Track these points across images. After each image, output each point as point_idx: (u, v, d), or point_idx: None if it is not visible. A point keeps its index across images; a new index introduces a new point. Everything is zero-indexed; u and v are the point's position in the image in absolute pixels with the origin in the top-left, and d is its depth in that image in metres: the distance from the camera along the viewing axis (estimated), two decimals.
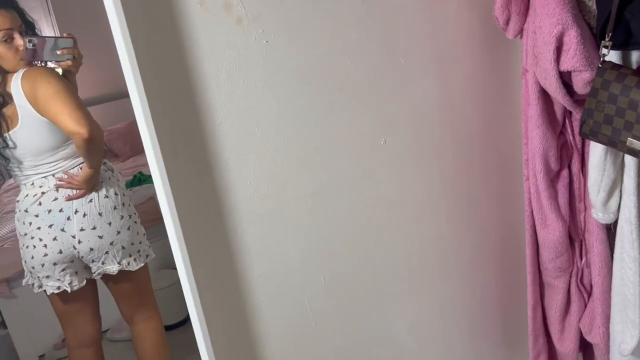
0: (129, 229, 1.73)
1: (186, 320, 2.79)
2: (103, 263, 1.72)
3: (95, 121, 1.58)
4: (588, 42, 0.93)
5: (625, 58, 0.93)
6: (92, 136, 1.53)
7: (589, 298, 1.19)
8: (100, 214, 1.67)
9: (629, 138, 0.86)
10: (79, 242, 1.66)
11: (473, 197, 1.27)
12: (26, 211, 1.66)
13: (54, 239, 1.65)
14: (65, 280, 1.71)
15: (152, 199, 2.81)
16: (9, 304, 2.55)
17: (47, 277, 1.70)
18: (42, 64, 1.67)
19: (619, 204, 1.03)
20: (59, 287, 1.71)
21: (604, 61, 0.90)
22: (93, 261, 1.71)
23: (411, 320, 1.27)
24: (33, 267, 1.70)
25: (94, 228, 1.66)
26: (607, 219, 1.05)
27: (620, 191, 1.02)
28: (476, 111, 1.22)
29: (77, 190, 1.66)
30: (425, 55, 1.14)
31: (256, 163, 1.05)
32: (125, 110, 4.06)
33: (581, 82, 0.96)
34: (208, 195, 1.03)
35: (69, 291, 1.72)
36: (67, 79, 1.67)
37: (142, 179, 3.04)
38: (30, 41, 1.57)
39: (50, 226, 1.65)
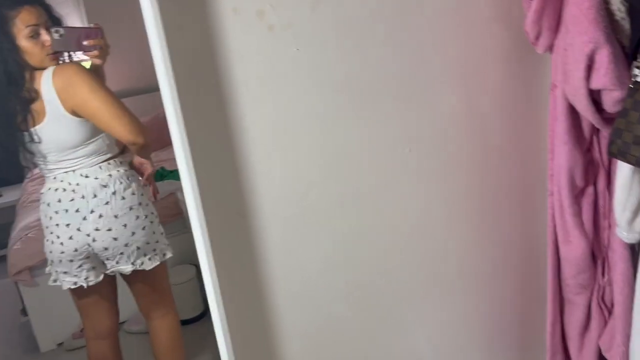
0: (144, 228, 1.73)
1: (202, 316, 2.83)
2: (117, 262, 1.74)
3: (142, 123, 1.66)
4: (620, 61, 0.93)
5: None
6: (147, 141, 1.64)
7: (609, 316, 1.18)
8: (116, 216, 1.68)
9: None
10: (94, 240, 1.68)
11: (496, 211, 1.27)
12: (48, 205, 1.70)
13: (70, 237, 1.68)
14: (82, 275, 1.74)
15: (173, 195, 2.85)
16: (31, 292, 2.61)
17: (65, 272, 1.74)
18: (70, 57, 1.70)
19: None
20: (75, 283, 1.74)
21: (635, 82, 0.89)
22: (107, 259, 1.74)
23: (430, 330, 1.28)
24: (52, 261, 1.74)
25: (109, 230, 1.68)
26: (632, 238, 1.05)
27: None
28: (502, 124, 1.22)
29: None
30: (453, 67, 1.15)
31: (282, 168, 1.06)
32: (148, 105, 4.10)
33: (611, 101, 0.96)
34: (233, 196, 1.04)
35: (85, 286, 1.75)
36: (96, 69, 1.70)
37: (164, 174, 3.07)
38: (57, 31, 1.59)
39: (68, 225, 1.67)
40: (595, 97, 0.99)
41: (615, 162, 1.07)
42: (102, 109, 1.58)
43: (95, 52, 1.66)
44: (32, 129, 1.63)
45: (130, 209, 1.70)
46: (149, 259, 1.77)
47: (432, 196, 1.20)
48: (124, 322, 2.82)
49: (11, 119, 1.61)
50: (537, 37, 1.07)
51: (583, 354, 1.22)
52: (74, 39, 1.62)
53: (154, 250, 1.79)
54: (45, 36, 1.60)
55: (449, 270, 1.26)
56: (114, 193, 1.68)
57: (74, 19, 4.03)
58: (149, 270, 1.79)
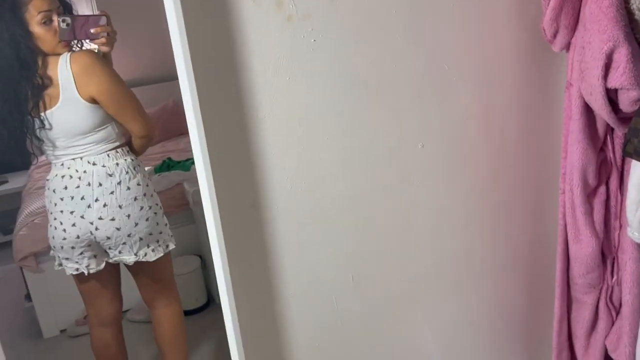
0: (147, 219, 1.73)
1: (205, 307, 2.83)
2: (120, 252, 1.74)
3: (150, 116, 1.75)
4: (638, 60, 0.93)
5: None
6: (154, 135, 1.74)
7: (617, 316, 1.19)
8: (120, 207, 1.68)
9: None
10: (97, 228, 1.68)
11: (507, 208, 1.27)
12: (54, 191, 1.70)
13: (73, 224, 1.68)
14: (83, 263, 1.74)
15: (180, 185, 2.85)
16: (36, 278, 2.61)
17: (67, 258, 1.75)
18: (81, 44, 1.71)
19: None
20: (77, 269, 1.75)
21: None
22: (110, 248, 1.74)
23: (436, 327, 1.28)
24: (54, 247, 1.75)
25: (113, 219, 1.68)
26: None
27: None
28: (516, 122, 1.22)
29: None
30: (469, 64, 1.15)
31: (296, 160, 1.07)
32: (156, 96, 4.10)
33: (628, 100, 0.96)
34: (247, 187, 1.05)
35: (86, 274, 1.75)
36: (104, 56, 1.71)
37: (171, 164, 3.08)
38: (63, 21, 1.60)
39: (72, 212, 1.68)
40: (611, 96, 0.99)
41: (628, 162, 1.07)
42: (122, 102, 1.66)
43: (103, 40, 1.66)
44: (42, 114, 1.63)
45: (135, 199, 1.70)
46: (152, 250, 1.77)
47: (443, 193, 1.20)
48: (127, 311, 2.82)
49: (21, 104, 1.62)
50: (554, 35, 1.07)
51: (589, 353, 1.23)
52: (81, 27, 1.63)
53: (157, 241, 1.79)
54: (57, 22, 1.60)
55: (458, 267, 1.26)
56: (119, 183, 1.68)
57: (82, 6, 4.03)
58: (152, 261, 1.79)
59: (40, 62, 1.61)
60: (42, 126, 1.64)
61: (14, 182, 3.95)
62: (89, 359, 2.12)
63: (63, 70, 1.59)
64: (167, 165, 3.05)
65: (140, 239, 1.73)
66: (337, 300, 1.16)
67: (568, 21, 1.04)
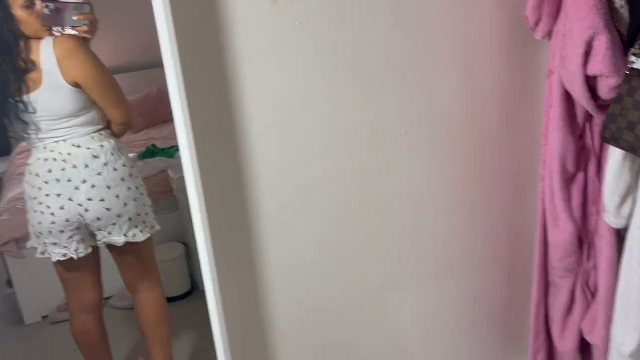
0: (135, 200, 1.75)
1: (189, 294, 2.83)
2: (110, 233, 1.74)
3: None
4: (617, 49, 0.95)
5: None
6: (133, 123, 1.76)
7: (592, 300, 1.22)
8: (108, 187, 1.69)
9: None
10: (86, 210, 1.68)
11: (487, 194, 1.29)
12: (37, 175, 1.69)
13: (62, 207, 1.68)
14: (72, 247, 1.74)
15: (164, 172, 2.84)
16: (18, 263, 2.59)
17: (54, 244, 1.73)
18: (62, 30, 1.69)
19: (632, 210, 1.05)
20: (65, 255, 1.74)
21: (632, 69, 0.91)
22: (99, 229, 1.74)
23: (417, 311, 1.30)
24: (40, 233, 1.73)
25: (102, 200, 1.68)
26: (619, 223, 1.07)
27: (634, 197, 1.04)
28: (498, 109, 1.24)
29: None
30: (453, 50, 1.16)
31: (280, 141, 1.07)
32: (140, 83, 4.06)
33: (606, 88, 0.98)
34: (231, 168, 1.05)
35: (76, 258, 1.75)
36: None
37: (155, 151, 3.06)
38: (47, 6, 1.59)
39: (59, 195, 1.67)
40: (591, 84, 1.01)
41: (606, 149, 1.09)
42: (105, 88, 1.67)
43: (85, 28, 1.66)
44: (26, 97, 1.62)
45: (122, 180, 1.71)
46: (140, 231, 1.78)
47: (426, 179, 1.22)
48: (109, 298, 2.82)
49: (4, 87, 1.60)
50: (537, 23, 1.09)
51: (565, 336, 1.26)
52: (64, 13, 1.62)
53: (144, 222, 1.80)
54: (39, 6, 1.59)
55: (438, 252, 1.28)
56: (105, 164, 1.69)
57: None
58: (140, 243, 1.79)
59: (22, 45, 1.60)
60: (26, 110, 1.63)
61: None
62: (71, 345, 2.12)
63: (46, 55, 1.59)
64: (151, 152, 3.03)
65: (130, 219, 1.74)
66: (320, 282, 1.17)
67: (550, 9, 1.06)
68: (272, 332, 1.17)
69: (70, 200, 1.67)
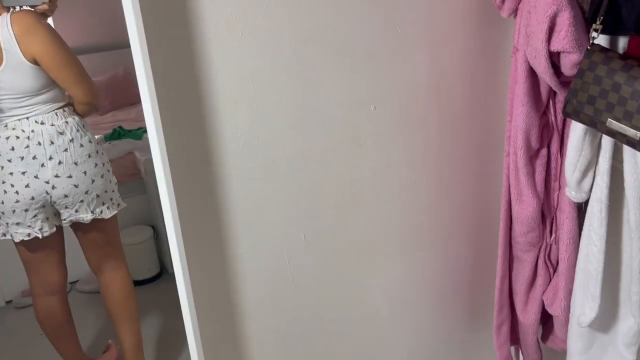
0: (102, 176, 1.73)
1: (157, 277, 2.81)
2: (77, 211, 1.72)
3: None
4: (579, 25, 0.97)
5: (613, 43, 0.97)
6: (97, 103, 1.71)
7: (554, 273, 1.25)
8: (75, 163, 1.67)
9: (609, 119, 0.91)
10: (53, 187, 1.66)
11: (453, 171, 1.31)
12: None
13: (27, 185, 1.65)
14: (36, 226, 1.71)
15: (131, 154, 2.80)
16: None
17: (18, 223, 1.70)
18: (21, 8, 1.65)
19: (592, 184, 1.08)
20: (29, 234, 1.71)
21: (592, 44, 0.93)
22: (66, 207, 1.71)
23: (385, 284, 1.32)
24: (3, 213, 1.69)
25: (70, 176, 1.66)
26: (580, 197, 1.10)
27: (594, 172, 1.07)
28: (464, 86, 1.25)
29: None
30: (421, 27, 1.17)
31: (249, 117, 1.06)
32: (106, 64, 3.98)
33: (569, 64, 1.00)
34: (199, 144, 1.04)
35: (40, 237, 1.72)
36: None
37: (122, 133, 3.01)
38: None
39: (24, 173, 1.64)
40: (554, 61, 1.03)
41: (568, 125, 1.12)
42: (64, 66, 1.62)
43: (45, 6, 1.62)
44: None
45: (89, 156, 1.69)
46: (107, 207, 1.77)
47: (394, 154, 1.23)
48: (76, 282, 2.77)
49: None
50: (503, 1, 1.10)
51: (527, 309, 1.29)
52: None
53: (111, 199, 1.79)
54: None
55: (405, 227, 1.30)
56: (71, 140, 1.66)
57: None
58: (105, 220, 1.78)
59: None
60: None
61: None
62: (36, 330, 2.08)
63: (4, 32, 1.56)
64: (117, 134, 2.98)
65: (97, 196, 1.73)
66: (289, 257, 1.18)
67: None
68: (241, 310, 1.17)
69: (36, 177, 1.64)
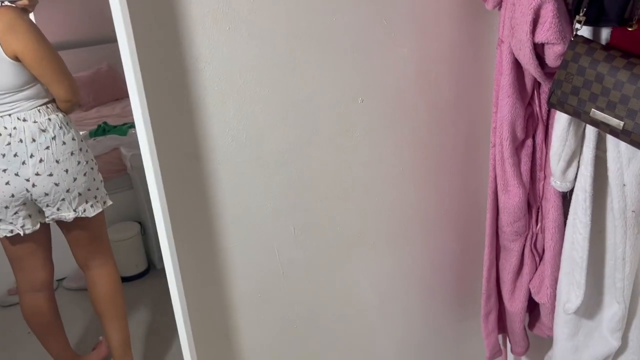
0: (85, 174, 1.72)
1: (145, 273, 2.80)
2: (58, 209, 1.71)
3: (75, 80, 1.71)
4: (563, 16, 0.98)
5: (596, 34, 0.98)
6: (78, 100, 1.69)
7: (540, 261, 1.27)
8: (57, 161, 1.65)
9: (592, 109, 0.92)
10: (34, 185, 1.64)
11: (440, 162, 1.32)
12: None
13: (7, 183, 1.63)
14: (18, 223, 1.69)
15: (116, 150, 2.78)
16: None
17: (0, 220, 1.69)
18: (2, 2, 1.63)
19: (576, 174, 1.10)
20: (11, 231, 1.70)
21: (576, 35, 0.95)
22: (47, 205, 1.70)
23: (374, 276, 1.33)
24: None
25: (51, 175, 1.65)
26: (564, 187, 1.12)
27: (579, 161, 1.09)
28: (451, 78, 1.26)
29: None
30: (407, 20, 1.17)
31: (237, 111, 1.06)
32: (89, 59, 3.94)
33: (553, 55, 1.01)
34: (188, 139, 1.04)
35: (22, 234, 1.70)
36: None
37: (107, 129, 2.99)
38: None
39: (4, 170, 1.62)
40: (538, 52, 1.04)
41: (553, 116, 1.14)
42: (46, 63, 1.60)
43: (25, 1, 1.60)
44: None
45: (72, 154, 1.67)
46: (91, 205, 1.75)
47: (381, 146, 1.24)
48: (63, 279, 2.76)
49: None
50: None
51: (515, 297, 1.31)
52: None
53: (95, 197, 1.77)
54: None
55: (394, 219, 1.31)
56: (53, 138, 1.64)
57: None
58: (90, 218, 1.76)
59: None
60: None
61: None
62: (24, 328, 2.07)
63: None
64: (102, 130, 2.96)
65: (79, 194, 1.71)
66: (279, 250, 1.18)
67: None
68: (232, 304, 1.18)
69: (17, 175, 1.63)
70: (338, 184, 1.21)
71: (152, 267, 2.83)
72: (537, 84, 1.15)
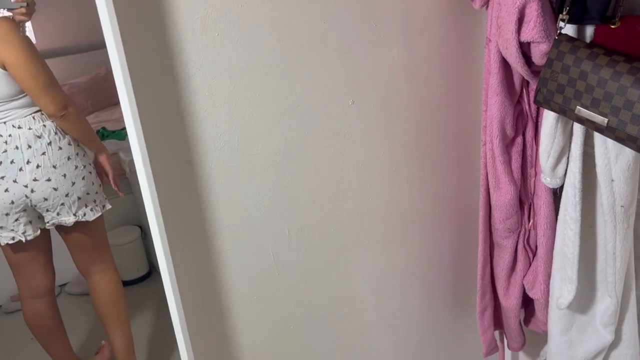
0: (83, 178, 1.73)
1: (146, 276, 2.82)
2: (58, 214, 1.72)
3: (69, 97, 1.68)
4: (548, 15, 0.99)
5: (580, 32, 0.99)
6: (64, 115, 1.65)
7: (533, 257, 1.28)
8: (54, 167, 1.66)
9: (577, 107, 0.93)
10: (32, 191, 1.66)
11: (433, 161, 1.33)
12: None
13: (6, 190, 1.65)
14: (19, 230, 1.71)
15: (115, 155, 2.79)
16: None
17: (1, 227, 1.70)
18: None
19: (566, 170, 1.11)
20: (13, 238, 1.71)
21: (560, 34, 0.96)
22: (47, 210, 1.71)
23: (370, 275, 1.34)
24: None
25: (49, 180, 1.66)
26: (554, 183, 1.13)
27: (568, 158, 1.10)
28: (440, 78, 1.27)
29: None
30: (396, 22, 1.18)
31: (228, 116, 1.08)
32: (87, 64, 3.95)
33: (539, 53, 1.02)
34: (180, 144, 1.05)
35: (24, 241, 1.72)
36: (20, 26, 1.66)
37: (106, 134, 3.00)
38: None
39: (2, 177, 1.64)
40: (525, 51, 1.05)
41: (542, 113, 1.15)
42: (32, 76, 1.59)
43: (22, 10, 1.61)
44: None
45: (69, 159, 1.69)
46: (91, 209, 1.77)
47: (373, 147, 1.25)
48: (65, 285, 2.77)
49: None
50: None
51: (509, 293, 1.32)
52: None
53: (95, 201, 1.79)
54: None
55: (388, 218, 1.32)
56: (49, 143, 1.66)
57: None
58: (90, 222, 1.78)
59: None
60: None
61: None
62: (27, 334, 2.09)
63: None
64: (101, 135, 2.97)
65: (79, 198, 1.72)
66: (274, 252, 1.20)
67: None
68: (229, 307, 1.19)
69: (15, 182, 1.64)
70: (331, 186, 1.23)
71: (154, 270, 2.85)
72: (525, 82, 1.16)
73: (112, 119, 3.47)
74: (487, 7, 1.14)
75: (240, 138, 1.10)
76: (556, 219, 1.19)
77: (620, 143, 0.91)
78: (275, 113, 1.12)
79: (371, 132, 1.23)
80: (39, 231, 1.76)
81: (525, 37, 1.00)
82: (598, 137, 1.01)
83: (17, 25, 1.59)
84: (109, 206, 1.85)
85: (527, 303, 1.36)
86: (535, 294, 1.26)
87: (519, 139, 1.21)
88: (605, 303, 1.15)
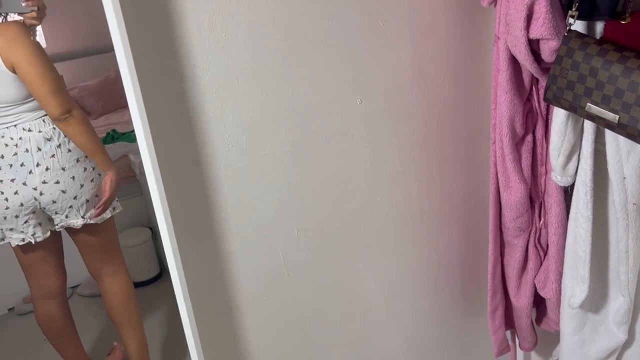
0: (92, 180, 1.74)
1: (157, 277, 2.83)
2: (67, 216, 1.73)
3: (76, 102, 1.67)
4: (557, 12, 0.98)
5: (590, 28, 0.98)
6: (69, 119, 1.62)
7: (544, 256, 1.27)
8: (63, 169, 1.68)
9: (588, 104, 0.92)
10: (41, 193, 1.67)
11: (442, 160, 1.33)
12: None
13: (15, 192, 1.66)
14: (29, 231, 1.72)
15: (125, 157, 2.81)
16: None
17: (11, 229, 1.72)
18: (6, 16, 1.66)
19: (577, 168, 1.10)
20: (23, 239, 1.73)
21: (569, 30, 0.95)
22: (56, 213, 1.73)
23: (379, 275, 1.34)
24: None
25: (57, 182, 1.67)
26: (565, 181, 1.12)
27: (578, 155, 1.09)
28: (448, 76, 1.27)
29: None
30: (403, 20, 1.18)
31: (235, 116, 1.08)
32: (97, 67, 3.98)
33: (548, 50, 1.01)
34: (188, 146, 1.06)
35: (33, 243, 1.73)
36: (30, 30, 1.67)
37: (116, 136, 3.02)
38: None
39: (13, 180, 1.65)
40: (534, 48, 1.04)
41: (552, 111, 1.13)
42: (40, 80, 1.59)
43: (33, 14, 1.62)
44: None
45: (77, 161, 1.70)
46: None
47: (382, 146, 1.24)
48: (77, 286, 2.79)
49: None
50: None
51: (520, 292, 1.31)
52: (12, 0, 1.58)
53: None
54: None
55: (397, 218, 1.31)
56: (59, 146, 1.67)
57: None
58: (100, 225, 1.78)
59: None
60: None
61: None
62: (39, 336, 2.10)
63: None
64: (111, 137, 2.99)
65: (87, 200, 1.73)
66: (283, 252, 1.19)
67: None
68: (238, 307, 1.19)
69: (24, 184, 1.66)
70: (340, 185, 1.22)
71: (165, 271, 2.86)
72: (534, 80, 1.15)
73: (122, 121, 3.49)
74: (496, 4, 1.13)
75: (248, 138, 1.10)
76: (567, 217, 1.18)
77: (632, 140, 0.90)
78: (283, 113, 1.12)
79: (379, 132, 1.23)
80: (48, 233, 1.77)
81: (534, 34, 0.99)
82: (609, 134, 1.00)
83: (27, 29, 1.61)
84: (119, 208, 1.86)
85: (538, 302, 1.34)
86: (546, 293, 1.25)
87: (529, 137, 1.19)
88: (618, 302, 1.14)
